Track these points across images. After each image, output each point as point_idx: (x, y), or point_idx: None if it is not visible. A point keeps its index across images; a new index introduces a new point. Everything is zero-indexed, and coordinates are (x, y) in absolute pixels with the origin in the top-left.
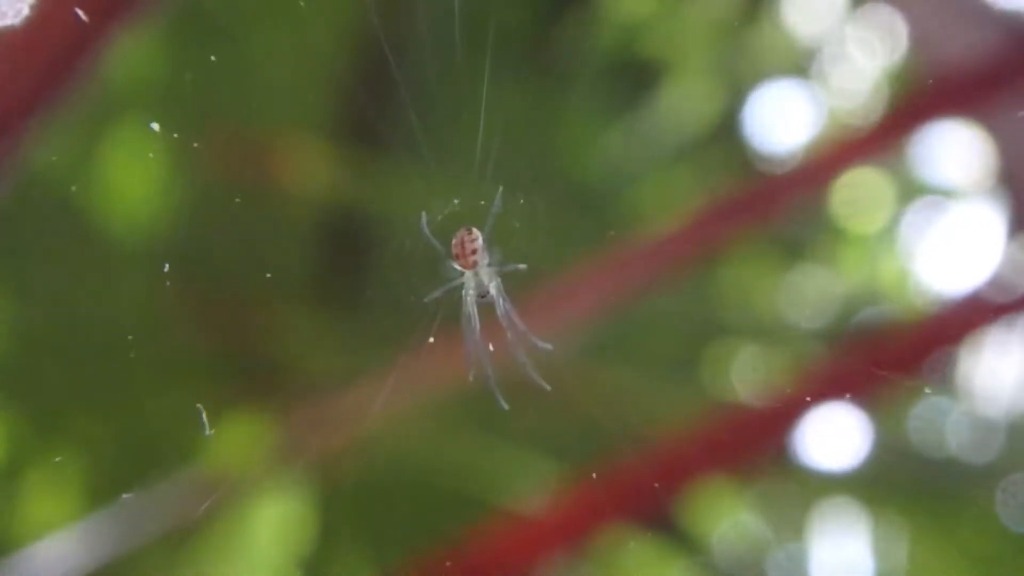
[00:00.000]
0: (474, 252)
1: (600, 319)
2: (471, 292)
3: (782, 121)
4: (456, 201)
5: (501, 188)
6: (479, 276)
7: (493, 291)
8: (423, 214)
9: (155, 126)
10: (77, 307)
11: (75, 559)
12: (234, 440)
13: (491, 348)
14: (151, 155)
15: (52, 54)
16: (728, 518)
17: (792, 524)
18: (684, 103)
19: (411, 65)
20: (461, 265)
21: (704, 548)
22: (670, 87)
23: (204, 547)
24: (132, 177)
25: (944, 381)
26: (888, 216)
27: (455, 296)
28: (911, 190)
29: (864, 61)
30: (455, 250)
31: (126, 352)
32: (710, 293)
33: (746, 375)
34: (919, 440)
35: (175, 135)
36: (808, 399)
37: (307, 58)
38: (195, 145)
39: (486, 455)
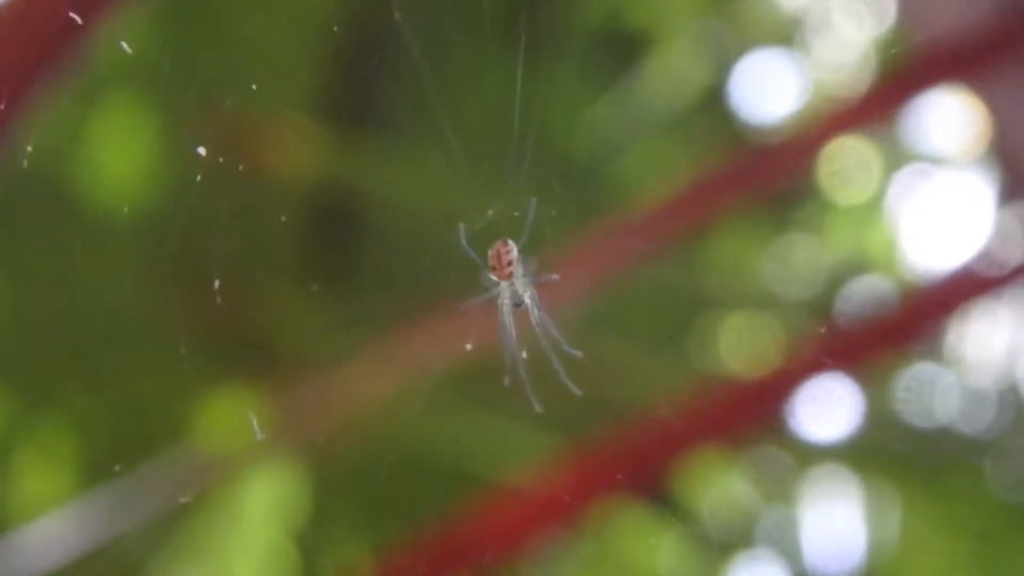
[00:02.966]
0: (510, 264)
1: (590, 293)
2: (507, 302)
3: (769, 92)
4: (491, 212)
5: (534, 199)
6: (514, 286)
7: (528, 301)
8: (460, 226)
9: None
10: (68, 286)
11: (68, 537)
12: (227, 418)
13: (524, 355)
14: (141, 134)
15: (40, 33)
16: (720, 488)
17: (783, 494)
18: (670, 75)
19: (400, 42)
20: (497, 276)
21: (696, 518)
22: (656, 59)
23: (197, 524)
24: (122, 156)
25: (934, 351)
26: (877, 186)
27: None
28: (900, 160)
29: (852, 30)
30: (492, 262)
31: (118, 331)
32: (699, 265)
33: (736, 347)
34: (909, 410)
35: (166, 114)
36: (798, 370)
37: (299, 36)
38: (186, 125)
39: (478, 430)
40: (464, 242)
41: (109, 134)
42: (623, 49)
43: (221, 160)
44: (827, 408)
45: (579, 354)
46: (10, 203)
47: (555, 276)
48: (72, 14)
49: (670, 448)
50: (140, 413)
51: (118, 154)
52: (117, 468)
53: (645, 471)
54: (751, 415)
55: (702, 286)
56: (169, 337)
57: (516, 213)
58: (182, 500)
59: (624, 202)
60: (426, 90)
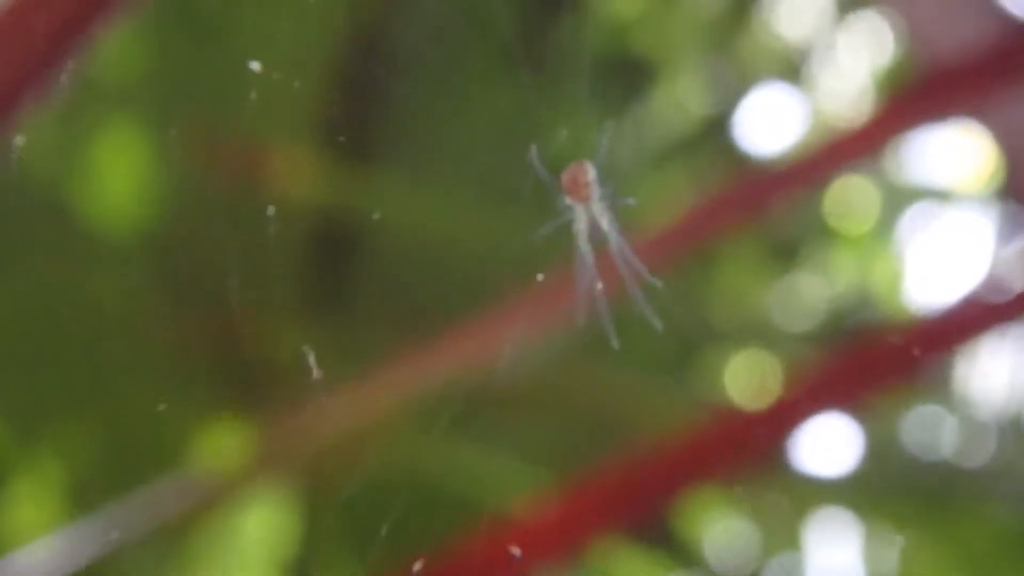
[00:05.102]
0: (587, 185)
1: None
2: (583, 227)
3: (772, 122)
4: (565, 132)
5: (611, 121)
6: (591, 210)
7: (606, 225)
8: (532, 147)
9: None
10: (61, 311)
11: (59, 565)
12: (221, 445)
13: (601, 286)
14: (139, 156)
15: (36, 45)
16: (720, 524)
17: (785, 530)
18: (674, 103)
19: (403, 66)
20: (573, 199)
21: (696, 555)
22: (660, 87)
23: (189, 551)
24: (119, 179)
25: (938, 385)
26: (881, 218)
27: (439, 300)
28: (904, 191)
29: (856, 61)
30: (567, 184)
31: (111, 356)
32: (701, 295)
33: (738, 379)
34: (913, 444)
35: (163, 133)
36: (801, 403)
37: (300, 59)
38: (183, 145)
39: (474, 460)
40: (536, 161)
41: (107, 156)
42: (628, 77)
43: (219, 183)
44: (830, 442)
45: (661, 285)
46: (5, 223)
47: (631, 200)
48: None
49: (670, 483)
50: (133, 439)
51: (115, 177)
52: (109, 496)
53: (645, 506)
54: (753, 449)
55: (704, 316)
56: (163, 363)
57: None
58: (174, 527)
59: (625, 229)
60: (428, 115)
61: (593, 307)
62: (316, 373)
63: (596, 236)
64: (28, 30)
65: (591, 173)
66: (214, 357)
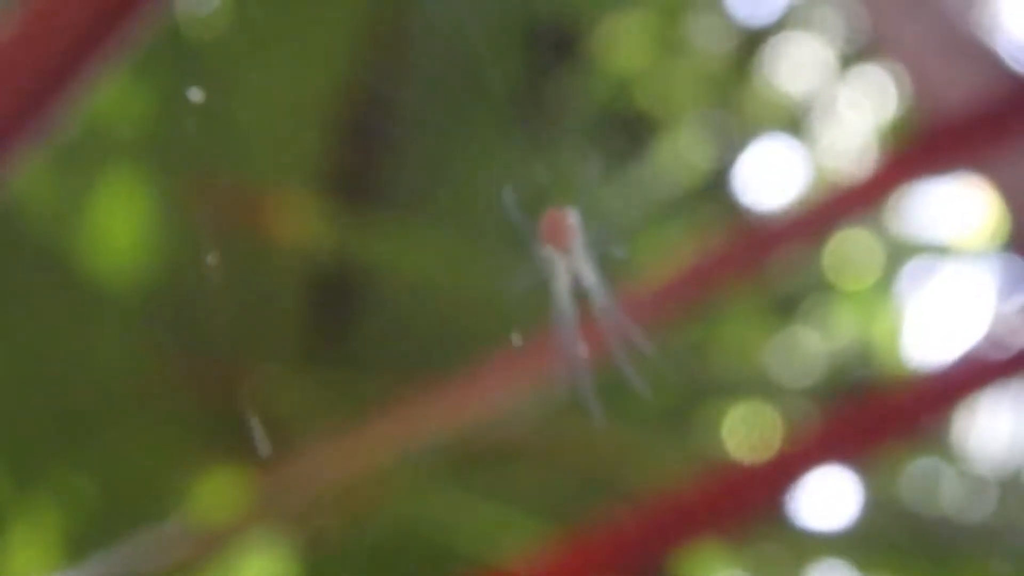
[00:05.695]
0: (567, 231)
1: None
2: (564, 281)
3: (774, 176)
4: (542, 171)
5: (591, 158)
6: (572, 262)
7: (589, 278)
8: (507, 189)
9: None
10: (59, 358)
11: None
12: (219, 493)
13: (585, 349)
14: (139, 204)
15: (33, 92)
16: None
17: None
18: (675, 158)
19: (405, 117)
20: (553, 246)
21: None
22: (661, 141)
23: None
24: (118, 226)
25: (938, 440)
26: (883, 273)
27: (437, 350)
28: (906, 246)
29: (858, 115)
30: (544, 232)
31: (109, 404)
32: (700, 350)
33: (737, 433)
34: (913, 500)
35: (164, 183)
36: (800, 458)
37: (300, 106)
38: (185, 194)
39: (472, 512)
40: (510, 204)
41: (106, 203)
42: (629, 131)
43: (219, 231)
44: (829, 497)
45: (651, 349)
46: (0, 272)
47: (621, 251)
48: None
49: (668, 536)
50: (130, 487)
51: (114, 224)
52: (107, 545)
53: (644, 559)
54: (751, 503)
55: (704, 370)
56: (161, 411)
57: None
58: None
59: (626, 283)
60: (431, 164)
61: (576, 373)
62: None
63: (579, 291)
64: (21, 76)
65: (572, 218)
66: (212, 405)
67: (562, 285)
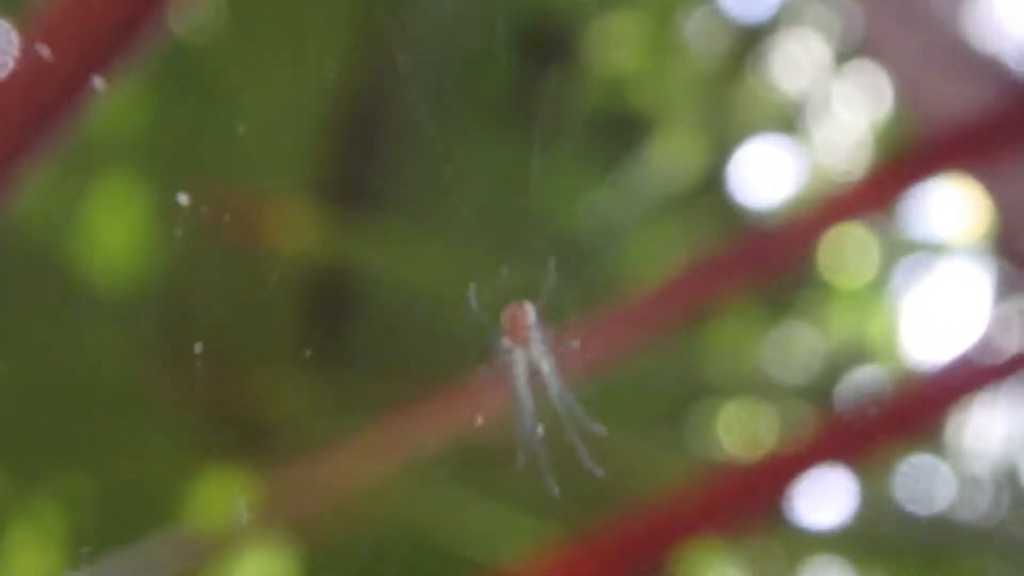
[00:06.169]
0: (527, 327)
1: (586, 377)
2: (522, 371)
3: (769, 176)
4: (506, 270)
5: (553, 259)
6: (531, 353)
7: (546, 369)
8: (471, 286)
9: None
10: (59, 363)
11: None
12: (218, 498)
13: (540, 432)
14: (135, 209)
15: (35, 106)
16: None
17: None
18: (670, 158)
19: (399, 122)
20: (512, 342)
21: None
22: (656, 142)
23: None
24: (116, 231)
25: (934, 440)
26: (877, 273)
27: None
28: (901, 247)
29: (852, 116)
30: (506, 326)
31: (108, 408)
32: (697, 351)
33: (734, 433)
34: (908, 499)
35: (161, 189)
36: (796, 458)
37: (297, 113)
38: (180, 201)
39: (473, 514)
40: (474, 304)
41: (103, 208)
42: (624, 131)
43: (216, 238)
44: (826, 497)
45: (604, 431)
46: (2, 276)
47: (576, 343)
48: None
49: (667, 536)
50: (130, 492)
51: (112, 229)
52: (107, 548)
53: (642, 559)
54: (749, 503)
55: (701, 372)
56: (161, 416)
57: (530, 274)
58: None
59: (622, 285)
60: (425, 169)
61: (530, 444)
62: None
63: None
64: (23, 89)
65: (531, 315)
66: (213, 411)
67: (520, 374)
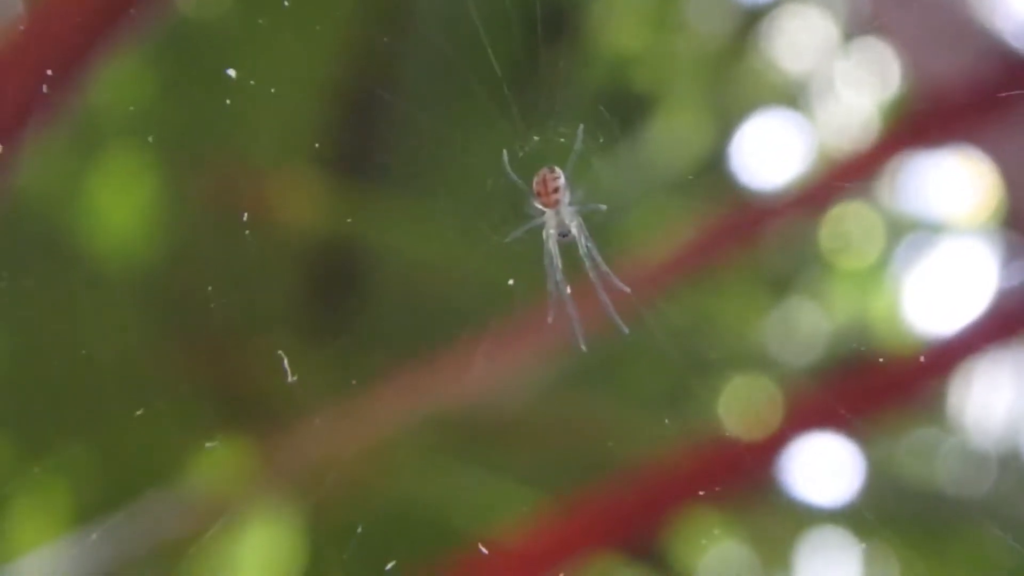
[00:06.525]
0: (556, 191)
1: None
2: (553, 231)
3: (771, 153)
4: (536, 138)
5: (582, 126)
6: (560, 215)
7: (575, 230)
8: (504, 152)
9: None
10: (65, 335)
11: None
12: (222, 467)
13: (570, 290)
14: (142, 184)
15: (40, 76)
16: (714, 549)
17: (779, 556)
18: (673, 135)
19: (404, 97)
20: (543, 204)
21: None
22: (659, 119)
23: (191, 571)
24: (120, 204)
25: (935, 414)
26: (879, 249)
27: (435, 326)
28: (903, 222)
29: (855, 92)
30: (536, 188)
31: (113, 379)
32: (698, 325)
33: (734, 407)
34: (909, 473)
35: (167, 165)
36: (796, 431)
37: (299, 87)
38: (185, 173)
39: (471, 483)
40: (508, 166)
41: (109, 184)
42: (627, 108)
43: (220, 209)
44: (826, 470)
45: (628, 289)
46: (8, 251)
47: (602, 206)
48: (72, 60)
49: (663, 507)
50: (135, 461)
51: (118, 204)
52: (110, 516)
53: (638, 530)
54: (748, 475)
55: (701, 345)
56: (165, 386)
57: (562, 140)
58: (175, 548)
59: (624, 260)
60: (428, 144)
61: (563, 308)
62: (291, 378)
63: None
64: (29, 64)
65: (561, 179)
66: (217, 381)
67: (551, 235)
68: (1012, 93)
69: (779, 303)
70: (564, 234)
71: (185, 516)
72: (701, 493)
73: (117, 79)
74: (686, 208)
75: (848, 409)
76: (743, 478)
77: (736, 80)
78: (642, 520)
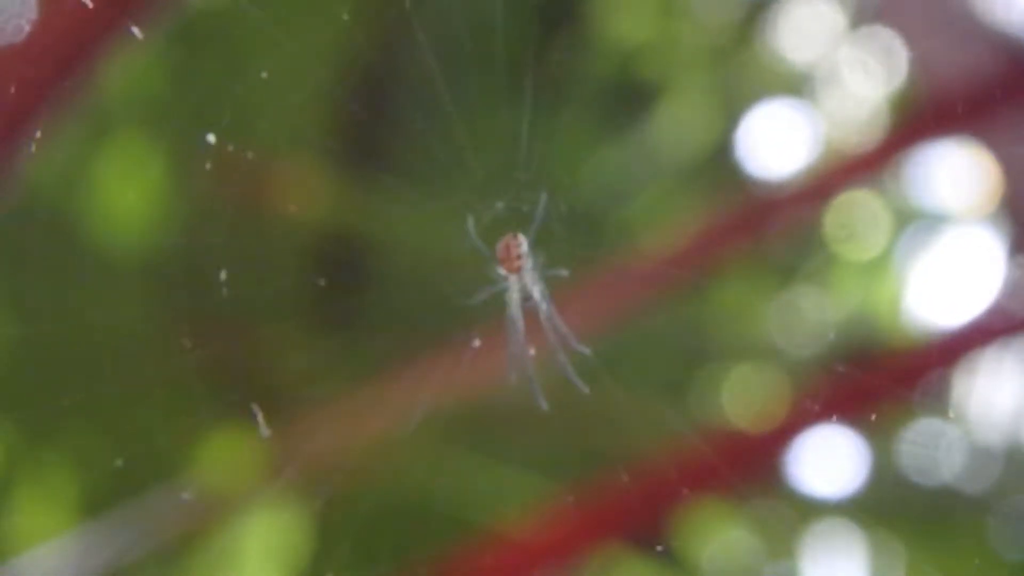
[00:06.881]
0: (519, 257)
1: (592, 340)
2: (515, 295)
3: (777, 143)
4: (499, 204)
5: (544, 194)
6: (523, 280)
7: (537, 295)
8: (469, 217)
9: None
10: (71, 321)
11: (66, 572)
12: (228, 456)
13: (532, 352)
14: (148, 171)
15: (51, 68)
16: (720, 540)
17: (784, 547)
18: (679, 125)
19: (410, 85)
20: (506, 269)
21: (695, 570)
22: (665, 109)
23: (197, 562)
24: (129, 193)
25: (939, 407)
26: (884, 240)
27: (446, 317)
28: (907, 213)
29: (860, 83)
30: (500, 254)
31: (120, 367)
32: (704, 315)
33: (739, 398)
34: (913, 465)
35: (173, 152)
36: (801, 423)
37: (306, 77)
38: (192, 163)
39: (478, 474)
40: (473, 233)
41: (116, 170)
42: (633, 98)
43: (227, 200)
44: (830, 462)
45: (588, 351)
46: (15, 236)
47: (564, 272)
48: (82, 51)
49: (670, 498)
50: (141, 450)
51: (125, 191)
52: (117, 505)
53: (644, 520)
54: (753, 467)
55: (707, 336)
56: (171, 374)
57: (525, 208)
58: (182, 537)
59: (630, 250)
60: (435, 133)
61: (523, 368)
62: (264, 429)
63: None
64: (37, 55)
65: (523, 246)
66: (223, 370)
67: (514, 299)
68: (1016, 86)
69: (785, 292)
70: (526, 298)
71: (192, 507)
72: (707, 484)
73: (128, 67)
74: (691, 198)
75: (852, 401)
76: (748, 468)
77: (741, 70)
78: (649, 511)
